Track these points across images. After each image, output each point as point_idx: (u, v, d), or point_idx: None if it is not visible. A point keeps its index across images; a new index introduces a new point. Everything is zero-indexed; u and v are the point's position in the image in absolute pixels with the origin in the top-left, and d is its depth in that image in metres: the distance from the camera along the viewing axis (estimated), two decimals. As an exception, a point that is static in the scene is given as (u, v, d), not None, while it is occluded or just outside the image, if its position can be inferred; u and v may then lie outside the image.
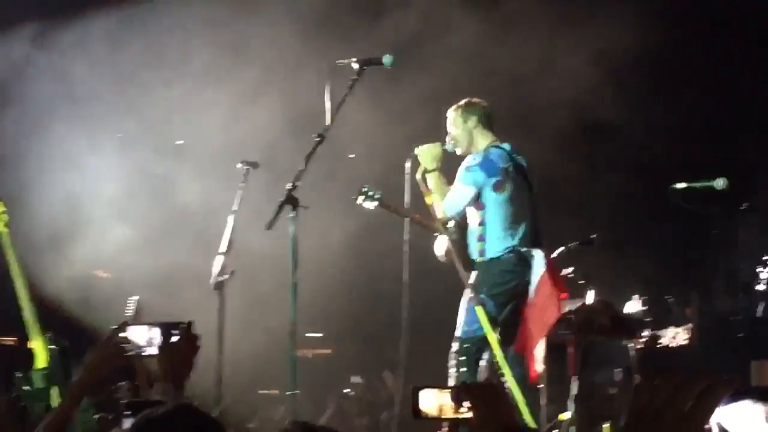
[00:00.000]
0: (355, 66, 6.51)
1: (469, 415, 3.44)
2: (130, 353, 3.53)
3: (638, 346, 9.01)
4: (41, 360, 6.84)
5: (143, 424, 2.43)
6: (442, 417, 3.72)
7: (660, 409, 1.58)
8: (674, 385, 1.59)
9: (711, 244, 13.02)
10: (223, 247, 6.91)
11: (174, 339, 3.51)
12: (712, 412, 1.60)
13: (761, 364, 7.79)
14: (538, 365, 7.03)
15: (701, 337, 12.60)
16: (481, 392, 3.33)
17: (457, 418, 3.63)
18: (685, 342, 10.49)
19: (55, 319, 7.98)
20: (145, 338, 3.56)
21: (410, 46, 9.01)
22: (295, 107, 8.77)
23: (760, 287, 10.06)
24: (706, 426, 1.94)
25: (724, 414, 2.05)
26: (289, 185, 6.27)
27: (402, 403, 7.15)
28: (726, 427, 2.06)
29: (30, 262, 7.49)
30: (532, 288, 7.00)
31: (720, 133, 10.98)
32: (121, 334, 3.46)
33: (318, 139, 6.36)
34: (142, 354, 3.53)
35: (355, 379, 11.01)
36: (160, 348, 3.45)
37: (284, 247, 6.38)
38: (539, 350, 6.98)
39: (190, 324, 3.45)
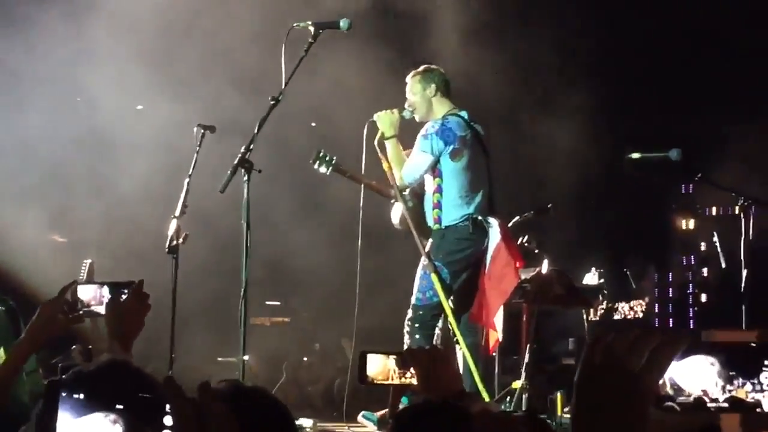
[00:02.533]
0: (312, 29, 6.46)
1: (414, 381, 3.44)
2: (78, 312, 3.50)
3: (593, 318, 9.08)
4: (-14, 321, 6.75)
5: (72, 379, 2.38)
6: (388, 382, 3.72)
7: (613, 367, 1.56)
8: (627, 342, 1.58)
9: (669, 216, 13.13)
10: (177, 211, 6.84)
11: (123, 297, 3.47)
12: (666, 368, 1.59)
13: (709, 333, 7.84)
14: (499, 334, 7.05)
15: (659, 309, 12.71)
16: (426, 357, 3.32)
17: (403, 384, 3.63)
18: (640, 315, 10.57)
19: (7, 282, 7.91)
20: (95, 297, 3.53)
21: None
22: (254, 70, 8.70)
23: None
24: (660, 385, 1.94)
25: (675, 369, 2.05)
26: (242, 148, 6.21)
27: (353, 369, 7.16)
28: (678, 382, 2.07)
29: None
30: (488, 257, 7.00)
31: (674, 104, 11.06)
32: (71, 293, 3.42)
33: (273, 102, 6.30)
34: (92, 312, 3.50)
35: (316, 346, 11.03)
36: (107, 305, 3.42)
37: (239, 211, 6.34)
38: (498, 319, 6.99)
39: (140, 282, 3.41)
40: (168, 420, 2.01)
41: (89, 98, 9.93)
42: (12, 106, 9.59)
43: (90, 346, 6.75)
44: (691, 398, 2.26)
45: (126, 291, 3.51)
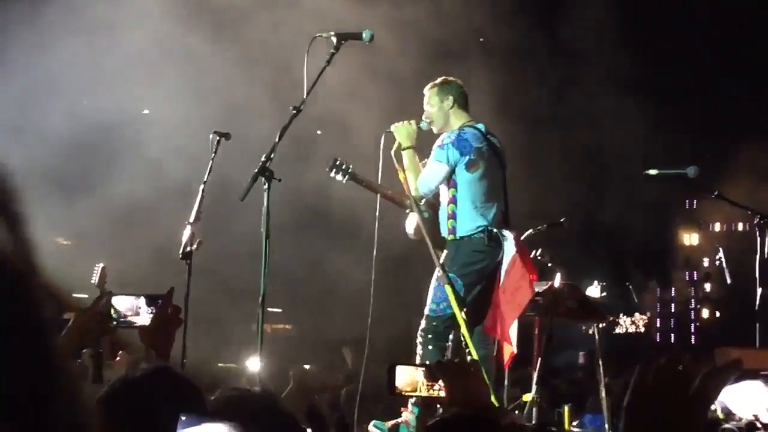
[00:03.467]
0: (334, 40, 6.47)
1: (442, 393, 3.45)
2: (113, 323, 3.49)
3: (591, 331, 9.08)
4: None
5: (119, 386, 2.38)
6: (416, 394, 3.72)
7: (664, 391, 1.56)
8: (678, 366, 1.57)
9: (673, 231, 13.16)
10: (191, 217, 6.84)
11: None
12: (717, 394, 1.58)
13: (723, 351, 7.86)
14: (514, 347, 7.04)
15: (660, 324, 12.72)
16: (455, 371, 3.33)
17: (431, 396, 3.64)
18: (642, 329, 10.59)
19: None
20: (131, 308, 3.52)
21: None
22: (274, 80, 8.71)
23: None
24: (711, 408, 1.93)
25: (727, 394, 2.05)
26: (263, 157, 6.21)
27: (364, 379, 7.16)
28: (729, 406, 2.06)
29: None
30: (503, 269, 6.99)
31: (691, 123, 11.12)
32: (105, 304, 3.39)
33: (294, 111, 6.31)
34: (128, 323, 3.49)
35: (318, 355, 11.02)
36: (153, 319, 3.40)
37: (252, 219, 6.33)
38: (513, 332, 6.98)
39: (171, 291, 3.40)
40: None
41: (98, 102, 9.93)
42: (20, 106, 9.60)
43: (101, 350, 6.74)
44: (743, 422, 2.26)
45: (161, 302, 3.51)
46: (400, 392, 3.70)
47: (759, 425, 2.07)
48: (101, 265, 7.39)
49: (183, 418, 2.08)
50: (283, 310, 12.03)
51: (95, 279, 7.37)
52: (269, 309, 11.52)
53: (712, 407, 2.03)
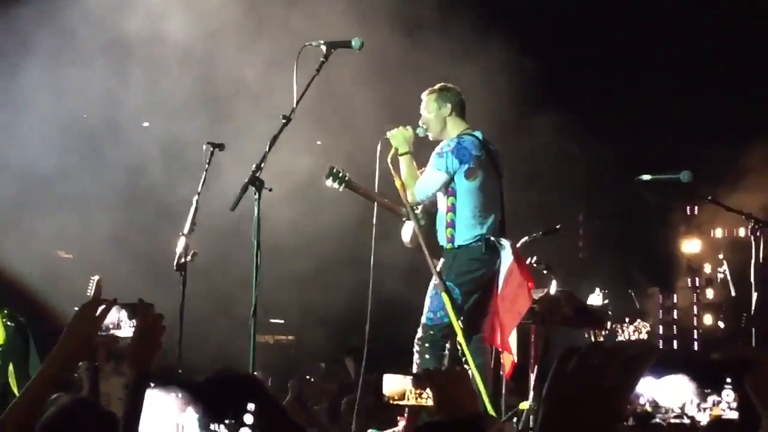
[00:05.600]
0: (323, 48, 6.46)
1: (430, 401, 3.42)
2: (102, 334, 3.45)
3: (596, 339, 9.05)
4: (-2, 337, 6.75)
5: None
6: (405, 402, 3.70)
7: (584, 379, 1.54)
8: (598, 355, 1.56)
9: (674, 238, 13.14)
10: (186, 229, 6.83)
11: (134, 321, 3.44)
12: (636, 382, 1.57)
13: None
14: (515, 356, 7.01)
15: (663, 331, 12.69)
16: (443, 379, 3.30)
17: (419, 404, 3.61)
18: (645, 336, 10.55)
19: (15, 298, 7.91)
20: (113, 321, 3.49)
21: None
22: (265, 89, 8.71)
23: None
24: (640, 401, 1.93)
25: (654, 387, 2.05)
26: (253, 167, 6.20)
27: (363, 389, 7.13)
28: (657, 399, 2.06)
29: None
30: (501, 278, 6.96)
31: (685, 128, 11.12)
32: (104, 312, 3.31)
33: (284, 120, 6.30)
34: (110, 336, 3.46)
35: (319, 366, 11.00)
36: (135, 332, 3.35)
37: (247, 230, 6.32)
38: (513, 341, 6.96)
39: (140, 303, 3.33)
40: (248, 418, 2.01)
41: (96, 114, 9.94)
42: (17, 120, 9.61)
43: (96, 363, 6.73)
44: (672, 415, 2.26)
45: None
46: (388, 400, 3.68)
47: (686, 417, 2.09)
48: (97, 277, 7.38)
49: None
50: (285, 321, 11.99)
51: (90, 291, 7.36)
52: (271, 320, 11.54)
53: (641, 401, 2.03)
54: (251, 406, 2.02)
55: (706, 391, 2.07)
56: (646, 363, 1.57)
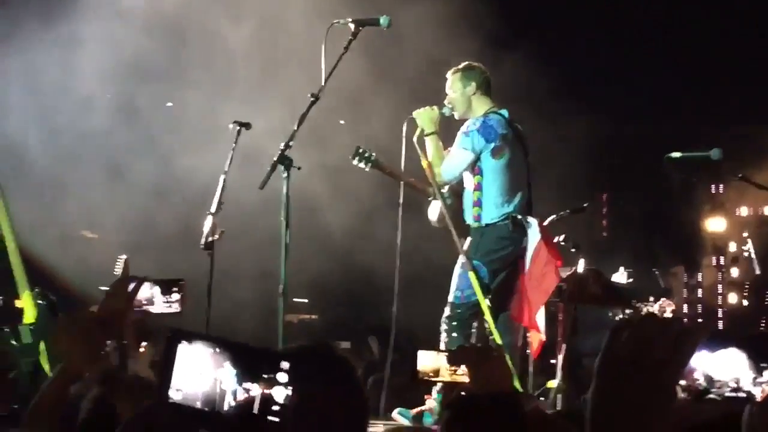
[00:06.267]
0: (352, 26, 6.44)
1: (465, 378, 3.41)
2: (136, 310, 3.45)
3: (618, 317, 9.03)
4: (29, 315, 6.77)
5: None
6: (439, 378, 3.70)
7: (636, 354, 1.53)
8: (650, 330, 1.55)
9: (699, 217, 13.08)
10: (213, 208, 6.84)
11: (174, 296, 3.45)
12: (689, 357, 1.56)
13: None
14: (543, 334, 7.00)
15: (688, 310, 12.66)
16: (478, 355, 3.29)
17: (454, 381, 3.61)
18: (669, 316, 10.53)
19: (43, 278, 7.94)
20: (147, 295, 3.50)
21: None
22: (292, 68, 8.69)
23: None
24: (694, 375, 1.91)
25: (708, 362, 2.04)
26: (282, 145, 6.19)
27: (392, 367, 7.14)
28: (711, 374, 2.05)
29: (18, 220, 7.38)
30: (528, 256, 6.95)
31: (714, 104, 11.05)
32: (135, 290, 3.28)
33: (312, 99, 6.28)
34: (147, 313, 3.48)
35: (344, 344, 11.00)
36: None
37: (274, 208, 6.31)
38: (540, 319, 6.94)
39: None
40: (282, 376, 2.01)
41: (120, 95, 9.95)
42: (44, 100, 9.62)
43: (125, 341, 6.76)
44: (727, 389, 2.25)
45: (175, 289, 3.49)
46: (422, 377, 3.69)
47: (741, 392, 2.09)
48: (124, 256, 7.40)
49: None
50: (309, 300, 12.01)
51: (118, 271, 7.38)
52: (295, 299, 11.55)
53: (695, 376, 2.02)
54: (285, 365, 2.02)
55: (762, 365, 2.05)
56: (700, 336, 1.56)
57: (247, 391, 2.05)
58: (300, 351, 2.38)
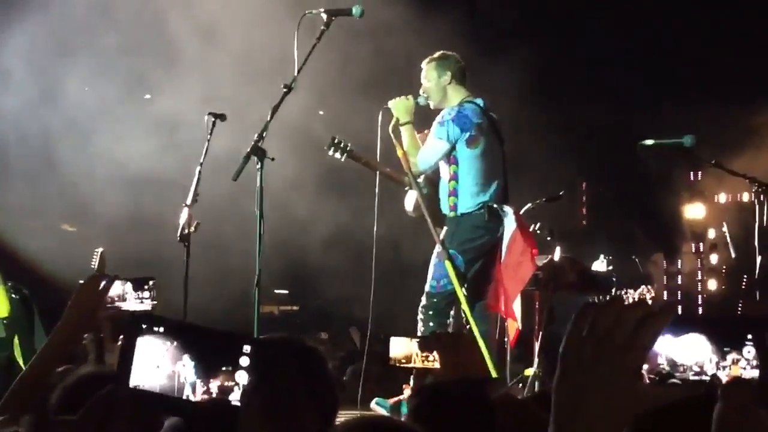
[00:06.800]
0: (324, 16, 6.43)
1: (437, 364, 3.41)
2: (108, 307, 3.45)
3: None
4: (3, 310, 6.74)
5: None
6: (411, 365, 3.70)
7: (599, 339, 1.53)
8: (613, 314, 1.54)
9: (678, 204, 13.12)
10: (188, 200, 6.81)
11: (147, 293, 3.45)
12: (653, 341, 1.56)
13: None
14: (519, 323, 7.02)
15: (667, 297, 12.69)
16: (449, 342, 3.29)
17: (425, 367, 3.61)
18: (649, 302, 10.55)
19: (20, 271, 7.91)
20: (119, 291, 3.49)
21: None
22: (264, 58, 8.67)
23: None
24: (658, 359, 1.91)
25: (672, 346, 2.03)
26: (255, 136, 6.18)
27: (372, 357, 7.14)
28: (674, 358, 2.05)
29: None
30: (504, 245, 6.96)
31: (687, 90, 11.07)
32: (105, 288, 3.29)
33: (285, 90, 6.27)
34: (123, 308, 3.47)
35: (322, 335, 11.01)
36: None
37: (251, 200, 6.30)
38: (516, 308, 6.96)
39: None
40: (244, 360, 2.01)
41: (96, 87, 9.91)
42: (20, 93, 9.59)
43: (102, 335, 6.74)
44: (691, 373, 2.27)
45: (147, 286, 3.49)
46: (395, 363, 3.69)
47: (705, 376, 2.09)
48: (100, 249, 7.36)
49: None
50: (290, 291, 11.99)
51: (95, 264, 7.35)
52: (276, 291, 11.53)
53: (659, 360, 2.02)
54: (247, 348, 2.02)
55: (725, 349, 2.06)
56: (663, 320, 1.56)
57: (206, 383, 2.05)
58: (267, 338, 2.39)
